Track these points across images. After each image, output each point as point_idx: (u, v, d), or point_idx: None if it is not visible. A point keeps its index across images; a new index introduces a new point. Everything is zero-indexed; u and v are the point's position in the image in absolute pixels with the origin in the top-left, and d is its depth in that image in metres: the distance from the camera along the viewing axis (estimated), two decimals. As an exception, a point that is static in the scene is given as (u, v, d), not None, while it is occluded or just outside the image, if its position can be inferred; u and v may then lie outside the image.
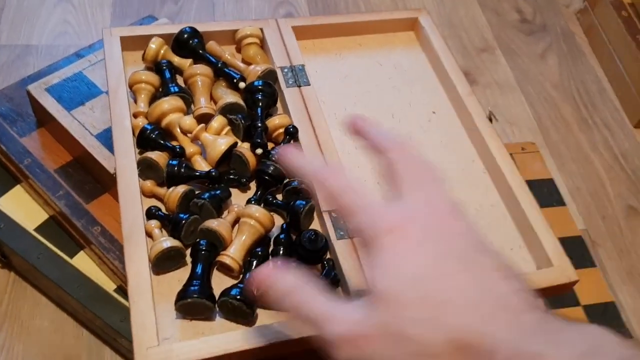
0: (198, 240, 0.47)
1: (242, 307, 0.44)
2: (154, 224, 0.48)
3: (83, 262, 0.59)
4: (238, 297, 0.44)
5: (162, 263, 0.46)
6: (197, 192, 0.50)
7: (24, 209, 0.61)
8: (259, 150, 0.52)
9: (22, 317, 0.60)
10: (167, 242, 0.46)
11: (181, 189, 0.49)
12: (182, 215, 0.47)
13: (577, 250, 0.72)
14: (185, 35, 0.58)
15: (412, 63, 0.66)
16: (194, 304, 0.44)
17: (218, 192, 0.50)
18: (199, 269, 0.46)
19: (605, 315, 0.67)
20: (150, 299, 0.43)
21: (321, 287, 0.33)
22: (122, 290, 0.57)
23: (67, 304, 0.59)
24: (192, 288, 0.44)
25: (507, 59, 0.97)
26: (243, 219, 0.48)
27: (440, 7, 1.02)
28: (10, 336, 0.58)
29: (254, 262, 0.47)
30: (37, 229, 0.60)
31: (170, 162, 0.50)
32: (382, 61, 0.66)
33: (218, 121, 0.53)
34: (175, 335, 0.44)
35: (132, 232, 0.46)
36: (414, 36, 0.68)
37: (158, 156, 0.50)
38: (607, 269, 0.74)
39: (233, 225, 0.49)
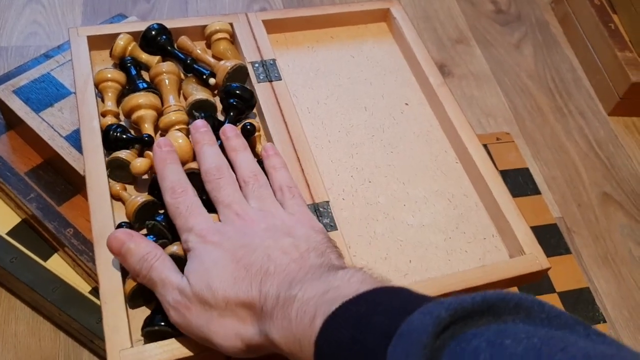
0: None
1: (168, 331, 0.43)
2: None
3: (57, 264, 0.58)
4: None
5: (138, 297, 0.44)
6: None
7: (-4, 213, 0.60)
8: None
9: (-2, 322, 0.59)
10: None
11: (141, 199, 0.48)
12: (149, 238, 0.46)
13: (552, 238, 0.73)
14: (153, 32, 0.57)
15: (385, 55, 0.66)
16: (160, 331, 0.42)
17: None
18: None
19: (579, 300, 0.68)
20: (123, 301, 0.43)
21: (164, 257, 0.42)
22: (97, 292, 0.57)
23: (43, 307, 0.58)
24: (159, 316, 0.43)
25: (482, 50, 0.97)
26: None
27: (414, -1, 1.02)
28: (-15, 342, 0.58)
29: None
30: (9, 233, 0.59)
31: None
32: (355, 53, 0.65)
33: (176, 115, 0.52)
34: (148, 335, 0.44)
35: (103, 233, 0.45)
36: (385, 27, 0.68)
37: (128, 155, 0.50)
38: (583, 255, 0.74)
39: None
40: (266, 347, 0.38)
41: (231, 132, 0.50)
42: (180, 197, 0.44)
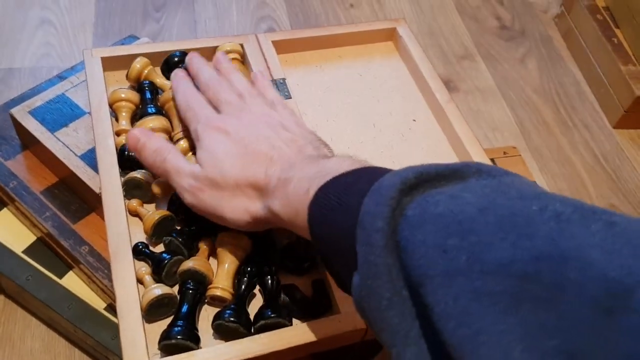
0: (183, 280, 0.47)
1: (238, 328, 0.44)
2: (145, 270, 0.48)
3: (72, 281, 0.59)
4: (232, 319, 0.44)
5: (155, 310, 0.45)
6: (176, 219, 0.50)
7: (12, 231, 0.61)
8: None
9: (14, 339, 0.60)
10: (158, 289, 0.45)
11: (157, 214, 0.49)
12: (165, 255, 0.47)
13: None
14: (175, 59, 0.59)
15: (392, 73, 0.67)
16: (177, 344, 0.43)
17: (193, 227, 0.50)
18: (184, 309, 0.45)
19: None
20: (139, 314, 0.44)
21: (175, 150, 0.48)
22: (112, 308, 0.57)
23: (58, 324, 0.59)
24: (176, 329, 0.44)
25: (487, 65, 0.98)
26: (220, 248, 0.48)
27: (420, 17, 1.04)
28: (1, 359, 0.58)
29: (244, 281, 0.47)
30: (25, 251, 0.60)
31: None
32: (362, 72, 0.67)
33: (186, 142, 0.54)
34: (165, 350, 0.44)
35: (119, 249, 0.46)
36: (392, 46, 0.70)
37: (144, 174, 0.51)
38: (592, 268, 0.75)
39: (209, 256, 0.50)
40: (269, 220, 0.43)
41: (223, 57, 0.56)
42: (192, 97, 0.51)
